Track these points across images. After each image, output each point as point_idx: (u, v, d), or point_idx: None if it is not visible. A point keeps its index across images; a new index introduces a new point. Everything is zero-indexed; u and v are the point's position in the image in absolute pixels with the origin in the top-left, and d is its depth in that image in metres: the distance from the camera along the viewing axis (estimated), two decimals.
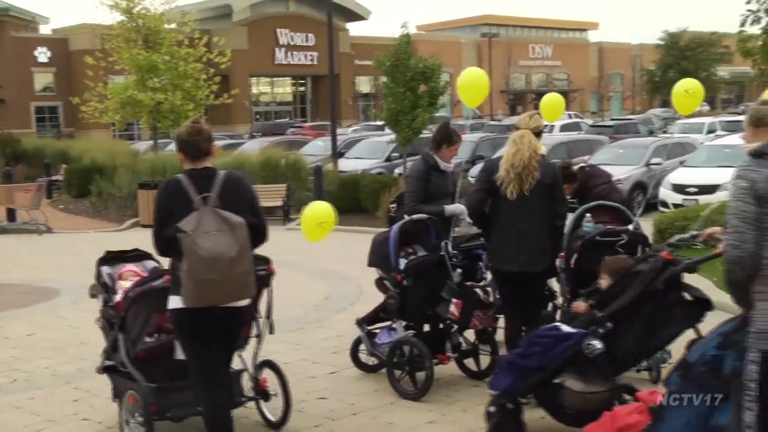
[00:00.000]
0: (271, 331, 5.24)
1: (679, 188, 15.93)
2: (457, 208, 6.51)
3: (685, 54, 61.29)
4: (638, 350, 4.50)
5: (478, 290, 6.25)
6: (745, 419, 3.18)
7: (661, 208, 15.66)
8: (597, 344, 4.29)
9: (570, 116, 40.20)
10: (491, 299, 6.27)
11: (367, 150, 23.68)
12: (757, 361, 3.16)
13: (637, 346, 4.42)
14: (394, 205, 6.94)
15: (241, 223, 4.21)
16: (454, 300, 6.05)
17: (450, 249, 6.17)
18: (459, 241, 6.44)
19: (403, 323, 6.17)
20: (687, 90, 7.97)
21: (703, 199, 14.45)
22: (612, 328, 4.30)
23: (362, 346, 6.55)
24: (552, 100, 8.11)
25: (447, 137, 6.59)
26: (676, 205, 14.91)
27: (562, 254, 5.93)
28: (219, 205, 4.26)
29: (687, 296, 4.34)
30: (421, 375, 5.91)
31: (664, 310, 4.29)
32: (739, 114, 41.24)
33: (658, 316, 4.31)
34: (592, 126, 33.62)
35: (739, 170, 3.30)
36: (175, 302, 4.29)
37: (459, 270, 6.16)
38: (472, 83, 8.19)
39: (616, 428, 3.62)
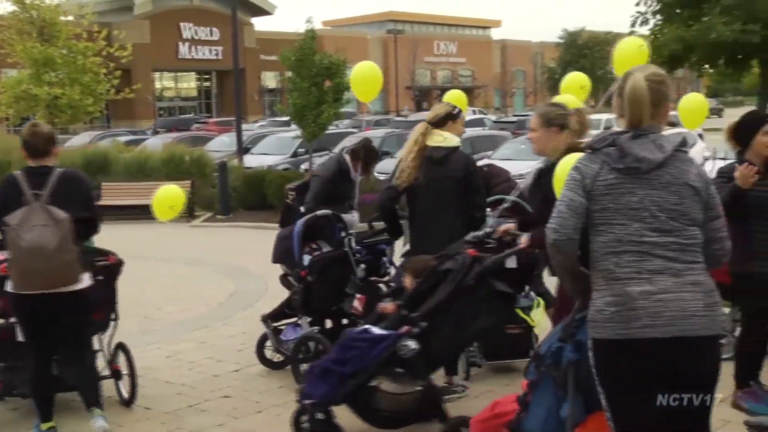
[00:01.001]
0: (114, 318, 5.64)
1: None
2: (349, 217, 6.55)
3: (583, 52, 63.22)
4: (450, 347, 4.63)
5: (381, 285, 6.22)
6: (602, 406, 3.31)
7: None
8: (412, 344, 4.35)
9: (474, 112, 40.89)
10: None
11: (273, 146, 23.52)
12: (592, 348, 3.27)
13: (450, 343, 4.54)
14: (293, 193, 6.91)
15: (65, 218, 4.67)
16: (357, 295, 6.05)
17: (353, 244, 6.17)
18: (362, 236, 6.44)
19: (308, 319, 6.17)
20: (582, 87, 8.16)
21: None
22: (427, 327, 4.39)
23: (268, 343, 6.53)
24: (453, 96, 8.16)
25: (368, 158, 6.72)
26: None
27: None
28: (50, 202, 4.70)
29: (494, 289, 4.51)
30: None
31: (472, 306, 4.45)
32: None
33: (467, 311, 4.46)
34: (495, 122, 34.30)
35: (575, 163, 3.38)
36: (8, 287, 4.86)
37: (363, 265, 6.16)
38: (364, 78, 8.20)
39: (494, 414, 3.74)
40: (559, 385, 3.49)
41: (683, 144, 3.25)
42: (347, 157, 6.67)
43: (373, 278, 6.27)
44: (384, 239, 6.38)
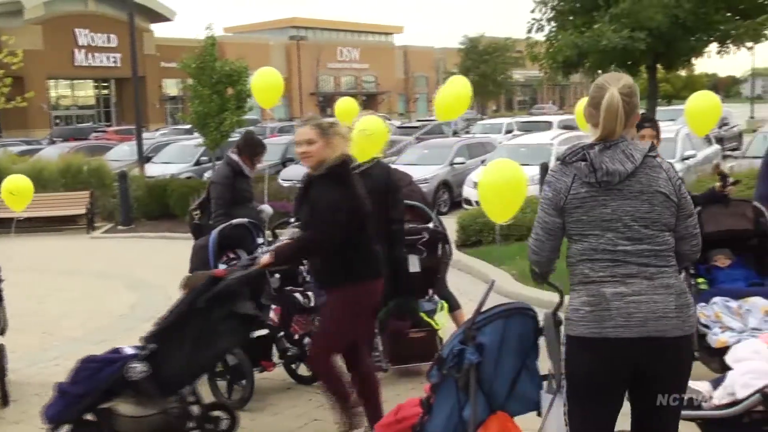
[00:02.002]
0: None
1: None
2: (268, 208, 6.57)
3: (483, 58, 64.36)
4: (188, 369, 4.65)
5: (297, 295, 6.16)
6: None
7: (465, 206, 16.36)
8: (140, 367, 4.40)
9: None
10: (312, 304, 6.16)
11: (176, 154, 23.12)
12: (566, 344, 3.41)
13: (187, 365, 4.59)
14: (197, 212, 6.85)
15: None
16: (273, 306, 5.98)
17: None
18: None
19: None
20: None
21: None
22: (156, 349, 4.45)
23: None
24: (345, 105, 8.13)
25: (253, 151, 6.63)
26: (478, 203, 15.62)
27: None
28: None
29: (236, 311, 4.64)
30: (242, 384, 5.82)
31: (209, 328, 4.53)
32: (536, 114, 43.87)
33: (204, 333, 4.53)
34: (399, 127, 34.59)
35: (547, 176, 3.47)
36: None
37: (277, 275, 6.07)
38: (265, 84, 8.17)
39: (397, 419, 3.79)
40: (461, 387, 3.57)
41: (652, 150, 3.36)
42: (235, 157, 6.63)
43: (288, 288, 6.17)
44: None
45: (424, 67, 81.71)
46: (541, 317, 3.77)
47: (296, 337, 6.11)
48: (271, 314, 5.99)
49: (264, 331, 6.08)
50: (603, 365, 3.26)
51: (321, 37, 76.88)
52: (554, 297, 3.80)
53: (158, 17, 63.74)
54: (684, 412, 3.75)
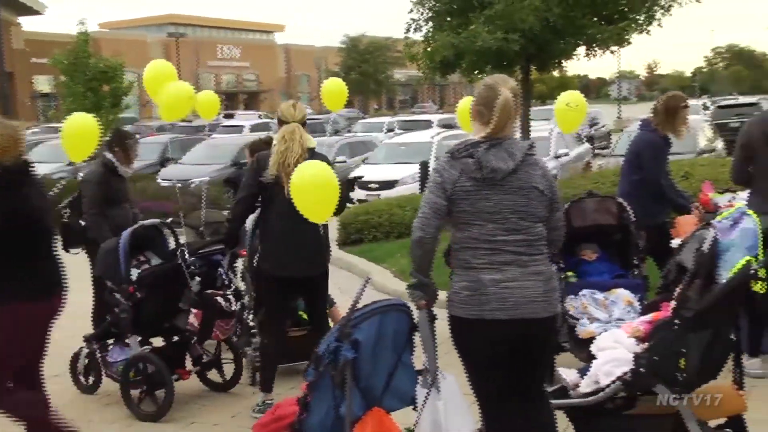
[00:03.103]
0: None
1: (362, 184, 16.80)
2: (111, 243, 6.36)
3: (365, 57, 64.73)
4: None
5: (219, 299, 5.95)
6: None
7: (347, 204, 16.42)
8: None
9: (260, 116, 40.78)
10: (233, 308, 6.02)
11: (49, 153, 22.11)
12: (449, 324, 3.74)
13: None
14: (67, 210, 6.62)
15: None
16: (193, 310, 5.79)
17: (187, 256, 5.87)
18: (196, 247, 6.14)
19: (138, 338, 5.87)
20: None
21: (384, 194, 15.37)
22: None
23: (80, 363, 6.19)
24: (205, 98, 7.87)
25: (123, 142, 6.43)
26: (360, 201, 15.72)
27: (245, 251, 6.06)
28: None
29: None
30: (160, 393, 5.64)
31: None
32: (417, 113, 44.47)
33: None
34: None
35: (437, 165, 3.74)
36: None
37: (198, 278, 5.87)
38: (158, 77, 7.96)
39: (274, 418, 3.80)
40: (338, 384, 3.62)
41: (531, 148, 3.73)
42: (110, 156, 6.42)
43: (209, 291, 5.97)
44: (219, 249, 6.10)
45: (306, 66, 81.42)
46: (416, 313, 3.85)
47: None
48: (191, 319, 5.79)
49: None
50: (483, 343, 3.65)
51: (200, 34, 75.40)
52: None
53: (27, 10, 60.93)
54: (552, 401, 3.94)
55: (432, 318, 3.79)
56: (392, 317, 3.75)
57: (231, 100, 69.27)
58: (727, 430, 4.01)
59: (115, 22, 79.12)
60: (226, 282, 6.10)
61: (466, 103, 8.47)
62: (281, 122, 5.50)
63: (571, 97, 7.45)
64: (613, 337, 4.19)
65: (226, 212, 9.49)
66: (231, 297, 6.00)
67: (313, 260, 5.45)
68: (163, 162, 20.91)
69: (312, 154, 5.34)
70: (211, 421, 5.61)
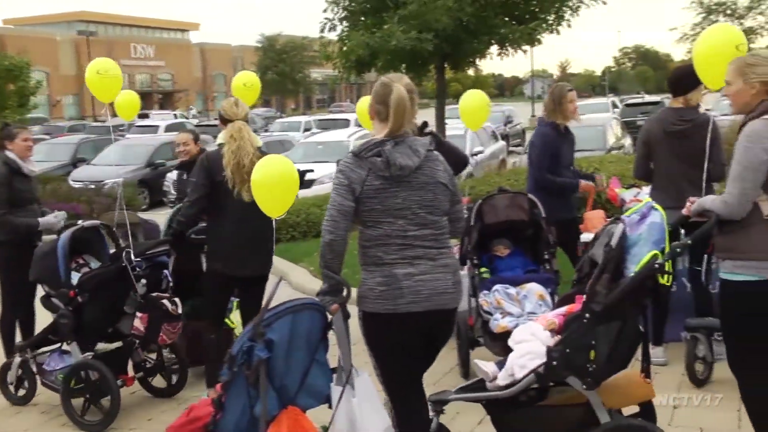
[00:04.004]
0: None
1: None
2: (52, 219, 6.16)
3: (281, 57, 64.33)
4: None
5: (165, 301, 5.77)
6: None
7: None
8: None
9: (176, 116, 40.11)
10: (179, 311, 5.84)
11: None
12: (362, 320, 3.80)
13: None
14: None
15: None
16: (138, 314, 5.61)
17: (132, 257, 5.68)
18: (142, 248, 5.93)
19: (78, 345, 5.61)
20: (245, 84, 7.97)
21: (302, 193, 15.29)
22: None
23: (11, 373, 5.95)
24: (125, 98, 7.68)
25: (10, 135, 6.15)
26: None
27: None
28: None
29: None
30: (105, 401, 5.43)
31: None
32: (335, 113, 44.43)
33: None
34: (198, 126, 33.88)
35: (340, 165, 3.76)
36: None
37: (143, 280, 5.69)
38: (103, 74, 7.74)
39: (189, 419, 3.77)
40: (252, 384, 3.60)
41: (431, 144, 3.85)
42: (11, 155, 6.13)
43: (155, 294, 5.79)
44: (165, 250, 5.97)
45: (222, 65, 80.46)
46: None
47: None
48: (137, 323, 5.61)
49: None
50: (398, 336, 3.73)
51: (112, 32, 73.72)
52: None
53: None
54: (469, 394, 4.01)
55: (346, 316, 3.81)
56: (306, 316, 3.76)
57: (145, 100, 67.81)
58: (639, 419, 4.15)
59: (20, 18, 76.54)
60: (171, 284, 5.95)
61: (364, 102, 8.62)
62: (224, 121, 5.46)
63: (473, 96, 7.73)
64: (529, 330, 4.26)
65: (140, 213, 9.41)
66: (177, 299, 5.83)
67: (266, 259, 5.50)
68: (75, 163, 20.38)
69: (261, 153, 5.31)
70: (155, 429, 5.42)
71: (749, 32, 38.43)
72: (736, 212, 3.81)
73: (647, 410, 4.12)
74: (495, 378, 4.13)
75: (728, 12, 40.82)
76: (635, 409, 4.07)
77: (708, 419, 4.89)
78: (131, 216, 7.22)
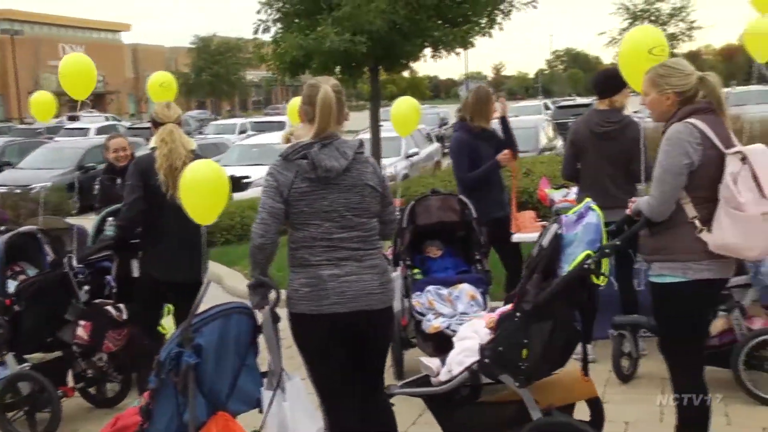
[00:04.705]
0: None
1: None
2: None
3: (216, 58, 63.59)
4: None
5: (109, 308, 5.63)
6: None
7: None
8: None
9: (107, 119, 39.35)
10: (125, 317, 5.69)
11: None
12: (289, 320, 3.81)
13: None
14: None
15: None
16: (81, 322, 5.45)
17: (74, 263, 5.53)
18: (84, 254, 5.78)
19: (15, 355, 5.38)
20: (161, 84, 7.91)
21: (237, 196, 15.13)
22: None
23: None
24: (39, 98, 7.52)
25: None
26: None
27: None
28: None
29: None
30: (43, 415, 5.22)
31: None
32: (271, 115, 44.16)
33: None
34: (129, 128, 33.31)
35: (270, 169, 3.77)
36: None
37: (86, 287, 5.53)
38: (76, 71, 7.58)
39: (115, 429, 3.71)
40: (181, 391, 3.56)
41: (360, 146, 3.85)
42: None
43: (98, 301, 5.64)
44: (107, 255, 5.82)
45: (155, 67, 78.48)
46: (260, 315, 3.84)
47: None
48: (79, 331, 5.45)
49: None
50: (324, 336, 3.74)
51: (40, 32, 71.83)
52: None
53: None
54: (410, 389, 4.07)
55: (275, 319, 3.81)
56: (234, 320, 3.74)
57: (76, 102, 66.26)
58: (566, 415, 4.22)
59: None
60: (115, 290, 5.81)
61: (294, 103, 8.66)
62: (156, 124, 5.41)
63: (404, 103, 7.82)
64: (472, 327, 4.32)
65: (69, 219, 9.19)
66: (121, 305, 5.69)
67: (201, 265, 5.42)
68: (1, 166, 19.82)
69: (195, 156, 5.25)
70: None
71: (672, 38, 39.65)
72: (657, 214, 3.89)
73: (596, 408, 4.21)
74: (438, 374, 4.18)
75: (652, 18, 42.01)
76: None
77: (632, 413, 5.02)
78: (57, 222, 7.08)
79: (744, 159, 3.75)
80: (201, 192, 4.67)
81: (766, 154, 3.83)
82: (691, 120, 3.84)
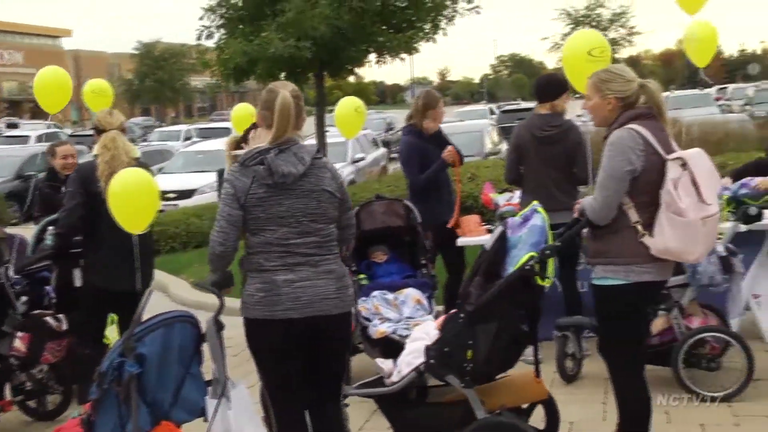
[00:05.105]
0: None
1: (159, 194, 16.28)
2: None
3: (160, 64, 62.85)
4: None
5: (48, 319, 5.53)
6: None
7: None
8: None
9: (48, 126, 38.57)
10: (64, 327, 5.57)
11: None
12: (244, 326, 3.76)
13: None
14: None
15: None
16: (19, 333, 5.31)
17: (11, 274, 5.40)
18: (22, 264, 5.64)
19: None
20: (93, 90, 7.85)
21: (182, 203, 14.99)
22: None
23: None
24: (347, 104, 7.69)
25: None
26: (158, 211, 15.19)
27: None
28: None
29: None
30: None
31: None
32: (216, 121, 43.78)
33: None
34: (71, 136, 32.72)
35: (227, 175, 3.76)
36: None
37: (24, 298, 5.40)
38: (51, 85, 7.45)
39: None
40: (123, 401, 3.52)
41: (318, 151, 3.86)
42: None
43: (37, 312, 5.51)
44: (46, 265, 5.69)
45: (98, 73, 77.29)
46: (204, 323, 3.82)
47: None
48: (17, 343, 5.31)
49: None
50: (277, 341, 3.70)
51: None
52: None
53: None
54: (362, 390, 4.09)
55: (219, 327, 3.78)
56: (178, 329, 3.71)
57: (15, 109, 65.08)
58: (507, 414, 4.27)
59: None
60: (55, 300, 5.70)
61: (239, 109, 8.66)
62: (99, 131, 5.37)
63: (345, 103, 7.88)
64: (424, 329, 4.35)
65: (9, 228, 8.99)
66: (60, 316, 5.58)
67: (146, 272, 5.39)
68: None
69: (138, 164, 5.24)
70: None
71: (613, 43, 40.42)
72: (600, 218, 3.94)
73: (550, 409, 4.26)
74: (390, 375, 4.20)
75: (593, 24, 42.79)
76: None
77: (577, 413, 5.08)
78: None
79: (684, 165, 3.82)
80: (129, 200, 4.62)
81: (704, 157, 3.92)
82: (634, 126, 3.90)
